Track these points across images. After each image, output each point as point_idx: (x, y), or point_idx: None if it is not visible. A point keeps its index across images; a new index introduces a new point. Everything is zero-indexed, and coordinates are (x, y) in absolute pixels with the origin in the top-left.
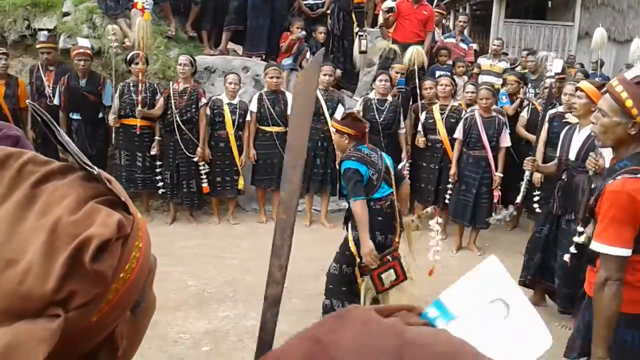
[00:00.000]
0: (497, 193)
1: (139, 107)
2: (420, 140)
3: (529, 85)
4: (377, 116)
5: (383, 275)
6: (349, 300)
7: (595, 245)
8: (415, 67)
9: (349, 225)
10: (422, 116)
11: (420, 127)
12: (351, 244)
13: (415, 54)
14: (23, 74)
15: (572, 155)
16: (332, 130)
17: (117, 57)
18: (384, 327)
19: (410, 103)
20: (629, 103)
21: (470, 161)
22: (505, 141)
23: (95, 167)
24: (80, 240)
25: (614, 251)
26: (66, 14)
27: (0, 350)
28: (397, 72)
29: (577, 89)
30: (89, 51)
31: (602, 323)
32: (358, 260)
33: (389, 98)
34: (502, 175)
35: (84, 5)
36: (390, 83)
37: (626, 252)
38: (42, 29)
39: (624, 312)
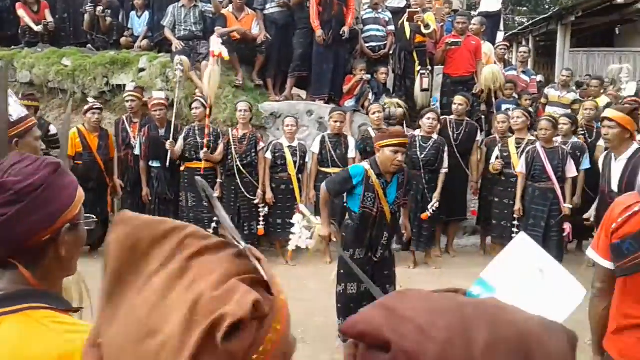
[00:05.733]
0: (567, 226)
1: (204, 149)
2: (497, 162)
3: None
4: (418, 153)
5: None
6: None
7: None
8: (492, 87)
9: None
10: (498, 148)
11: (497, 153)
12: None
13: (495, 74)
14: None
15: (613, 187)
16: None
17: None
18: (442, 296)
19: (478, 135)
20: None
21: (536, 194)
22: (571, 171)
23: (244, 244)
24: (215, 318)
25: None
26: (142, 70)
27: None
28: (459, 104)
29: (604, 118)
30: (163, 101)
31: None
32: None
33: (434, 136)
34: (570, 206)
35: (157, 61)
36: (438, 121)
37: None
38: (120, 85)
39: None
